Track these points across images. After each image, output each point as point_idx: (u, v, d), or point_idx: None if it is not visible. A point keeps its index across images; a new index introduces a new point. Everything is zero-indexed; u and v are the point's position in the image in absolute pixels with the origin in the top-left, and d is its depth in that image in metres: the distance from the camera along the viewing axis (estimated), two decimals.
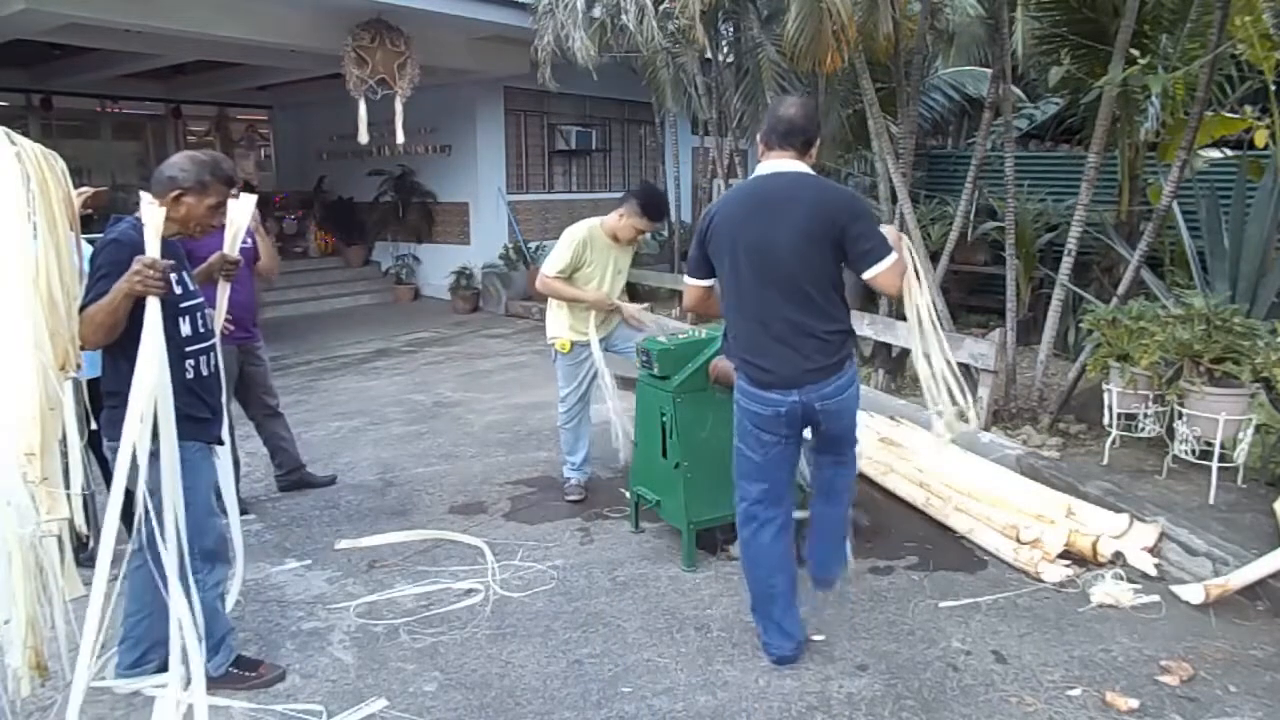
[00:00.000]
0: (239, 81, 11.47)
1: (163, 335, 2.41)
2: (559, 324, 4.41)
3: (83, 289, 2.52)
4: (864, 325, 5.62)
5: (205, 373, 2.74)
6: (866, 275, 2.69)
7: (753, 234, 2.72)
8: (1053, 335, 5.25)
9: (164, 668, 2.81)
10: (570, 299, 4.31)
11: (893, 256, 2.67)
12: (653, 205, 4.27)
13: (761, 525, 2.89)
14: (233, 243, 3.05)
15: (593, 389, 4.50)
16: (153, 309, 2.40)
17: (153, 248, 2.45)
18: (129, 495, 2.36)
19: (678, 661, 2.97)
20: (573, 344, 4.36)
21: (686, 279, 2.98)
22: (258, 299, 4.50)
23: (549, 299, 4.43)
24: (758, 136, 2.88)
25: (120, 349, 2.51)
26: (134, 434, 2.34)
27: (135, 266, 2.37)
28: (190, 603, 2.46)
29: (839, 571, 3.19)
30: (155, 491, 2.52)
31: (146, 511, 2.41)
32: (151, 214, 2.47)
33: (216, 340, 2.87)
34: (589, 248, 4.27)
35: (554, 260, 4.27)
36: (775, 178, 2.76)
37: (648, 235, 4.53)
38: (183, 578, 2.45)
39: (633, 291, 10.89)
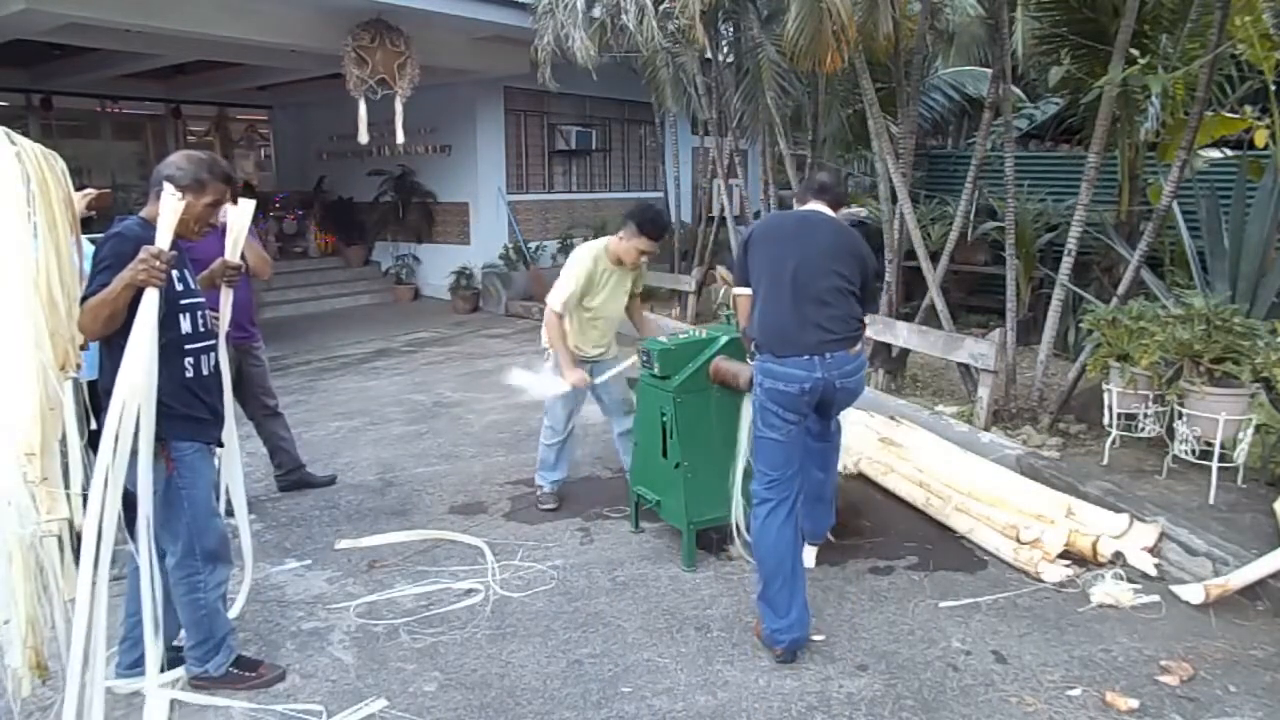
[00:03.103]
0: (239, 81, 11.47)
1: (156, 327, 2.40)
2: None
3: (83, 289, 2.53)
4: None
5: (205, 372, 2.73)
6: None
7: (797, 243, 3.13)
8: (1053, 335, 5.25)
9: (165, 667, 2.82)
10: (561, 346, 4.12)
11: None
12: (649, 223, 4.13)
13: (776, 505, 3.03)
14: (234, 248, 3.04)
15: (583, 407, 4.39)
16: (149, 301, 2.39)
17: (164, 239, 2.45)
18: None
19: (678, 661, 2.97)
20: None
21: (738, 291, 3.28)
22: (255, 298, 4.50)
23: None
24: (794, 198, 3.50)
25: (120, 346, 2.51)
26: (115, 423, 2.31)
27: (141, 255, 2.37)
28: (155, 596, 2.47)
29: (827, 526, 3.65)
30: (155, 492, 2.53)
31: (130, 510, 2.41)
32: (172, 204, 2.47)
33: (219, 342, 2.87)
34: (598, 271, 4.16)
35: (559, 292, 4.12)
36: (815, 213, 3.26)
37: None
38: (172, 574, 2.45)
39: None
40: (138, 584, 2.69)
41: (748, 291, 3.21)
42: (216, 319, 2.94)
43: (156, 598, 2.48)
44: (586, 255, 4.18)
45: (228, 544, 2.84)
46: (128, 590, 2.75)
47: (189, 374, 2.65)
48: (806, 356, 2.99)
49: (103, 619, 2.33)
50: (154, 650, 2.51)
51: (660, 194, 12.19)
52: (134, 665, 2.79)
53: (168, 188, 2.50)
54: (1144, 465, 4.40)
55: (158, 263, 2.37)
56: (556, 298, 4.12)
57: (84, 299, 2.43)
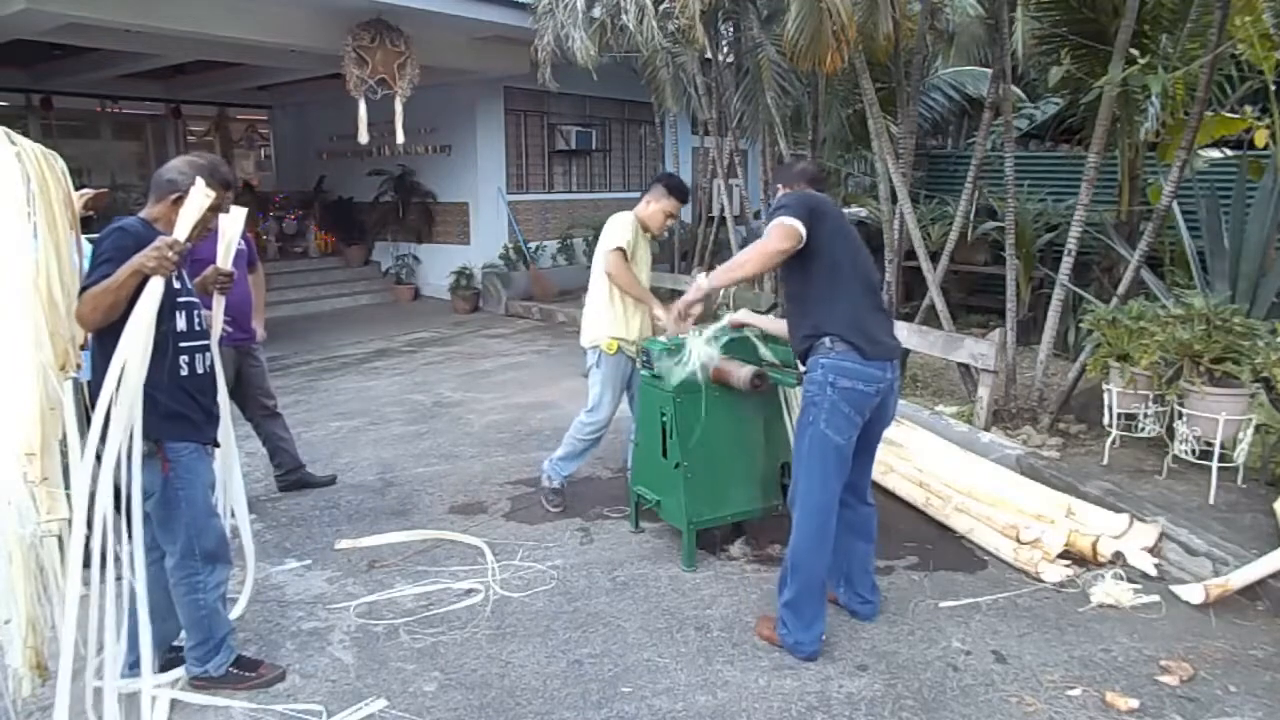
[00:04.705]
0: (239, 81, 11.47)
1: (154, 316, 2.40)
2: (605, 324, 4.14)
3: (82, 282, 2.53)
4: None
5: (200, 371, 2.73)
6: None
7: (855, 238, 3.04)
8: (1053, 335, 5.25)
9: (165, 667, 2.83)
10: (640, 289, 4.07)
11: None
12: (677, 186, 4.22)
13: (826, 521, 2.93)
14: (225, 255, 3.05)
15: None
16: (151, 290, 2.39)
17: (183, 230, 2.46)
18: (120, 491, 2.36)
19: (678, 661, 2.97)
20: (620, 347, 4.13)
21: (792, 220, 2.79)
22: (257, 300, 4.49)
23: (592, 299, 4.20)
24: (781, 184, 3.29)
25: (114, 344, 2.51)
26: (105, 405, 2.30)
27: (157, 243, 2.37)
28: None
29: (879, 600, 3.30)
30: (150, 494, 2.52)
31: (146, 515, 2.41)
32: (199, 199, 2.48)
33: (213, 342, 2.86)
34: (636, 235, 4.16)
35: (617, 235, 4.05)
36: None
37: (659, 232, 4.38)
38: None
39: None
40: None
41: (801, 227, 2.78)
42: (210, 317, 2.95)
43: (142, 594, 2.47)
44: (625, 218, 4.17)
45: (226, 544, 2.84)
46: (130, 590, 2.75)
47: (184, 372, 2.65)
48: (884, 360, 2.90)
49: (111, 618, 2.34)
50: (147, 650, 2.51)
51: None
52: (135, 665, 2.78)
53: (199, 182, 2.51)
54: (1144, 465, 4.40)
55: (170, 253, 2.37)
56: (615, 239, 4.03)
57: (84, 289, 2.43)
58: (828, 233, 2.87)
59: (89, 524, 2.27)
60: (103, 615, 2.34)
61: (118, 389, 2.30)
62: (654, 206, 4.17)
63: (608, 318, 4.15)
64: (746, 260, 2.88)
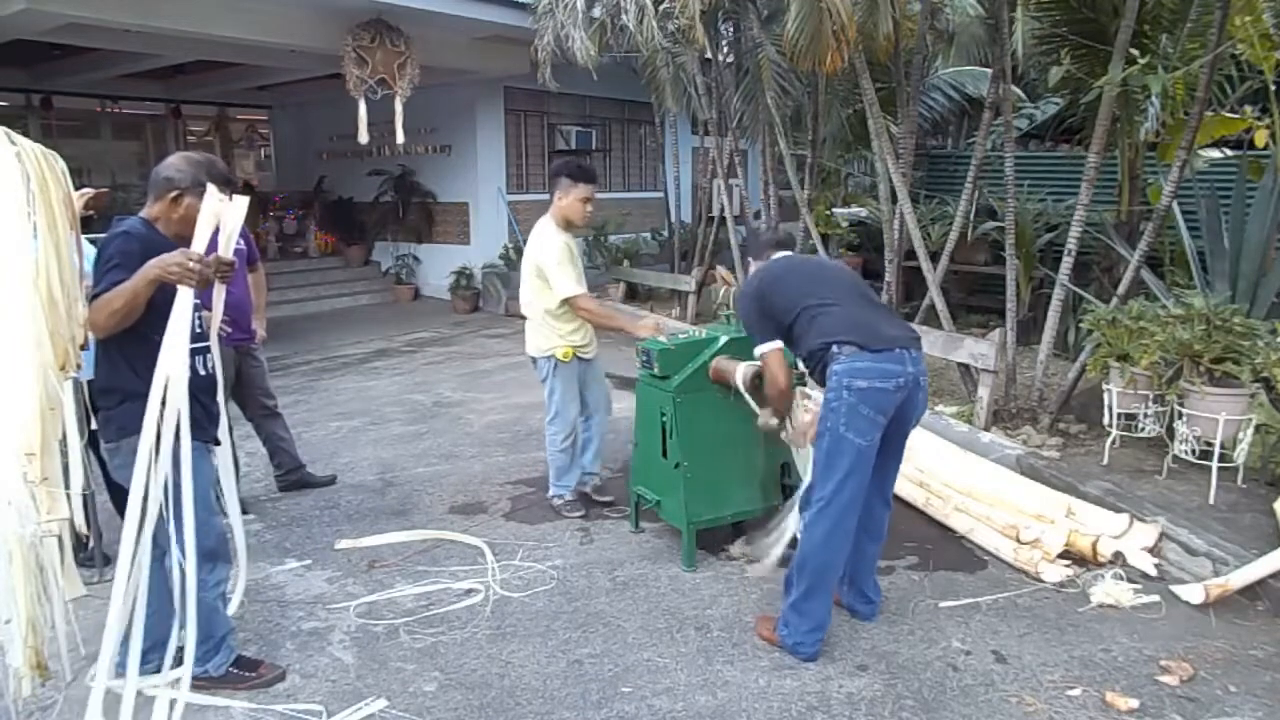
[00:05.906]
0: (239, 81, 11.48)
1: (189, 327, 2.43)
2: (552, 335, 4.12)
3: (84, 289, 2.53)
4: None
5: (201, 372, 2.73)
6: None
7: (830, 270, 3.28)
8: (1053, 335, 5.25)
9: (161, 667, 2.82)
10: (617, 329, 4.05)
11: None
12: (579, 169, 4.12)
13: (845, 521, 2.90)
14: (226, 245, 3.04)
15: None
16: (183, 299, 2.41)
17: (202, 238, 2.48)
18: (121, 490, 2.37)
19: (678, 661, 2.97)
20: (574, 353, 4.13)
21: (767, 347, 3.06)
22: (257, 300, 4.49)
23: (537, 309, 4.14)
24: (750, 257, 3.41)
25: (117, 345, 2.51)
26: (154, 423, 2.33)
27: (176, 256, 2.39)
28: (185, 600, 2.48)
29: (880, 597, 3.30)
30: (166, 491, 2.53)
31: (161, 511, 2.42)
32: (214, 206, 2.50)
33: (213, 344, 2.87)
34: (573, 249, 4.11)
35: (570, 280, 3.97)
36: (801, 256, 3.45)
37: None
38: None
39: (632, 291, 10.93)
40: (149, 582, 2.69)
41: (780, 345, 3.02)
42: (209, 318, 2.95)
43: (188, 596, 2.48)
44: (551, 234, 4.08)
45: (226, 543, 2.84)
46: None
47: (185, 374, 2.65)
48: (898, 350, 2.87)
49: (141, 618, 2.37)
50: (190, 648, 2.52)
51: (660, 194, 12.20)
52: (140, 664, 2.78)
53: (211, 188, 2.51)
54: (1144, 465, 4.40)
55: (193, 264, 2.40)
56: (574, 285, 3.98)
57: (95, 295, 2.44)
58: (793, 291, 3.06)
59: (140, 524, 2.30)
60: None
61: (164, 406, 2.35)
62: (568, 200, 4.08)
63: (562, 328, 4.11)
64: (776, 399, 3.17)
